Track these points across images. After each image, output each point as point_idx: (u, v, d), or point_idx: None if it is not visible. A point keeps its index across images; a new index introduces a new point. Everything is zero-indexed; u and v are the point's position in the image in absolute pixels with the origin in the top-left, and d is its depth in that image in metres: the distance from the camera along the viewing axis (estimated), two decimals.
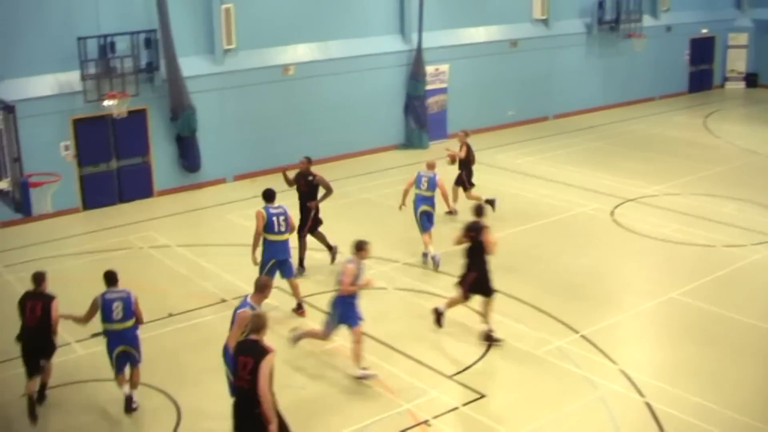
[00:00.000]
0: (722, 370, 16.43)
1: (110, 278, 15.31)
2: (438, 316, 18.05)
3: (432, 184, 22.39)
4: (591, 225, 24.81)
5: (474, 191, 25.51)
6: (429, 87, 34.88)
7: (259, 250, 18.91)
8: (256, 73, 30.83)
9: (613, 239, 23.65)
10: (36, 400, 15.25)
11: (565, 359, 16.68)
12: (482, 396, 15.55)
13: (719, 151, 33.62)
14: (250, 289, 20.23)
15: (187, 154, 29.54)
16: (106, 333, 15.19)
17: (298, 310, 19.30)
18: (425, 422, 14.82)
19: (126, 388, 15.35)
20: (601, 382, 15.82)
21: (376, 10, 33.78)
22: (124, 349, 15.16)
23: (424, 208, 22.32)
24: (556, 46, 38.95)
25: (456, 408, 15.26)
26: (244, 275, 21.53)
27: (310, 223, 21.91)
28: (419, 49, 33.92)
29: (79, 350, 17.95)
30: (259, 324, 12.28)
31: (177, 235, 24.90)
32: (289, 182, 22.25)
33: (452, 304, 18.01)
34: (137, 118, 28.39)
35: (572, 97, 40.06)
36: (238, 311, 13.87)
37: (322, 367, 16.84)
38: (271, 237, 18.80)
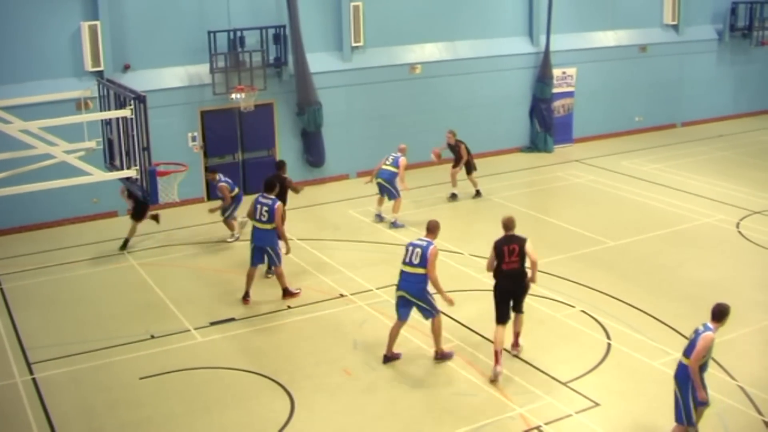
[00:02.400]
0: None
1: None
2: None
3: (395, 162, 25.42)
4: (715, 236, 24.29)
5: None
6: (556, 90, 34.56)
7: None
8: (383, 71, 30.96)
9: (738, 252, 23.12)
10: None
11: None
12: (596, 404, 15.36)
13: None
14: (368, 284, 20.53)
15: (312, 149, 29.82)
16: None
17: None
18: (537, 428, 14.72)
19: None
20: (718, 397, 15.46)
21: (505, 12, 33.61)
22: None
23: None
24: (686, 53, 38.19)
25: (569, 415, 15.10)
26: (363, 271, 21.75)
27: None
28: (547, 52, 33.66)
29: (198, 337, 18.27)
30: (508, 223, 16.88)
31: (298, 228, 25.11)
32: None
33: None
34: (264, 111, 28.77)
35: (702, 105, 39.25)
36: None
37: (435, 366, 16.83)
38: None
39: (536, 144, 34.57)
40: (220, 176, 23.87)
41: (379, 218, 25.51)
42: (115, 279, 21.39)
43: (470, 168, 28.00)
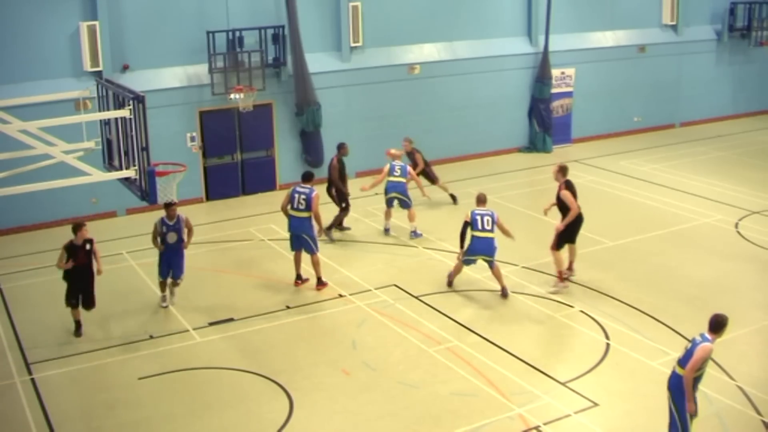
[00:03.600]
0: None
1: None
2: None
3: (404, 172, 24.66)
4: (714, 236, 24.29)
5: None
6: (554, 90, 34.57)
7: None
8: (381, 71, 30.98)
9: (737, 252, 23.12)
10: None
11: None
12: (595, 405, 15.37)
13: None
14: (367, 285, 20.54)
15: (311, 150, 29.83)
16: None
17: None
18: (536, 428, 14.72)
19: None
20: (717, 398, 15.49)
21: (504, 12, 33.63)
22: None
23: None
24: (685, 53, 38.20)
25: (568, 415, 15.10)
26: (362, 271, 21.77)
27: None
28: (546, 52, 33.68)
29: (197, 337, 18.28)
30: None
31: None
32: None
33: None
34: (263, 112, 28.78)
35: (700, 105, 39.26)
36: None
37: (435, 366, 16.84)
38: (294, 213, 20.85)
39: (535, 144, 34.58)
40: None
41: (387, 232, 24.77)
42: (113, 279, 21.37)
43: (431, 179, 27.55)
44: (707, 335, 13.03)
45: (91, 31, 25.63)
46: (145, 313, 19.65)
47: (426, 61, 31.86)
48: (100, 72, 25.56)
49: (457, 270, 20.65)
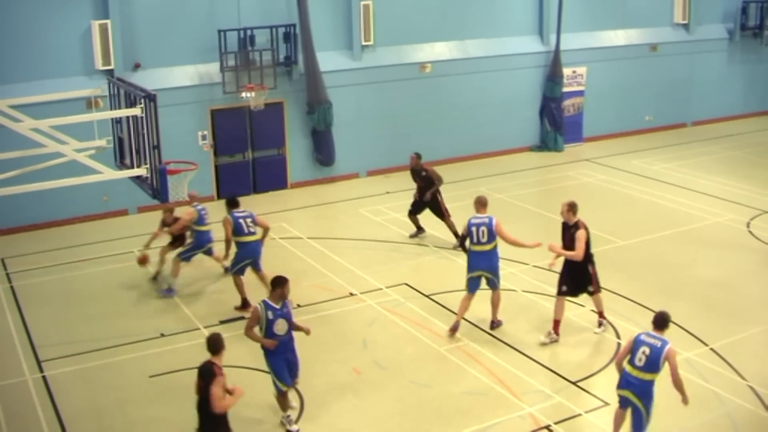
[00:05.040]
0: None
1: None
2: None
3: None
4: (726, 235, 24.23)
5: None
6: (566, 89, 34.52)
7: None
8: (393, 70, 30.97)
9: (748, 251, 23.06)
10: None
11: (692, 372, 16.33)
12: (606, 404, 15.32)
13: None
14: (378, 283, 20.54)
15: (322, 148, 29.85)
16: None
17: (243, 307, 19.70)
18: (547, 427, 14.71)
19: None
20: (728, 398, 15.45)
21: (515, 11, 33.59)
22: None
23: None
24: (697, 52, 38.10)
25: (578, 415, 15.10)
26: (372, 270, 21.76)
27: (443, 208, 23.67)
28: (557, 51, 33.61)
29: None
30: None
31: (309, 227, 25.18)
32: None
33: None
34: (274, 110, 28.80)
35: (712, 104, 39.14)
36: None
37: (446, 365, 16.83)
38: (242, 239, 19.42)
39: (546, 143, 34.53)
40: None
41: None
42: (125, 277, 21.41)
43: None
44: (659, 335, 13.31)
45: (103, 29, 25.69)
46: (156, 312, 19.69)
47: (437, 60, 31.84)
48: (111, 70, 25.64)
49: (463, 308, 18.09)
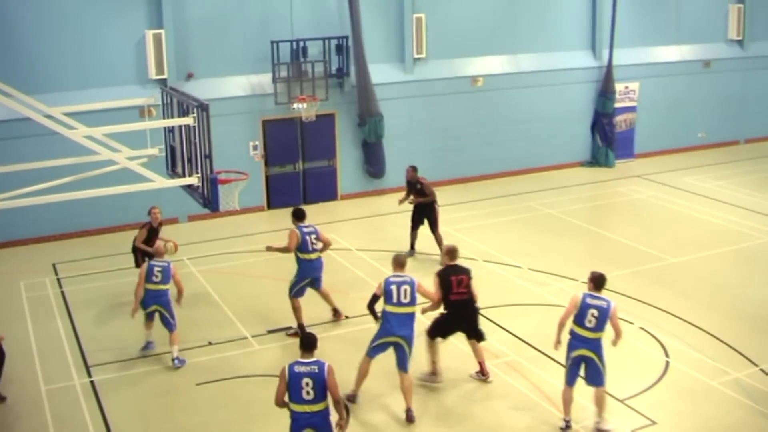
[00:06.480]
0: None
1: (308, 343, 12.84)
2: None
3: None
4: None
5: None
6: (618, 105, 34.32)
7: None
8: (444, 83, 30.96)
9: None
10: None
11: (741, 392, 16.15)
12: (653, 423, 15.21)
13: None
14: (423, 298, 20.51)
15: (373, 160, 29.90)
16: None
17: (336, 315, 19.70)
18: None
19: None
20: None
21: (568, 25, 33.47)
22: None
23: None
24: (751, 68, 37.72)
25: None
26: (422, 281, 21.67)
27: (437, 220, 23.76)
28: (609, 66, 33.43)
29: (256, 345, 18.36)
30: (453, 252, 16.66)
31: (358, 239, 25.20)
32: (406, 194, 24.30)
33: None
34: (325, 122, 28.88)
35: (765, 122, 38.68)
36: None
37: (493, 381, 16.74)
38: (306, 256, 18.69)
39: (597, 159, 34.33)
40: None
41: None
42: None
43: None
44: (600, 295, 14.81)
45: (157, 39, 25.93)
46: (204, 320, 19.77)
47: (489, 74, 31.77)
48: (164, 80, 25.86)
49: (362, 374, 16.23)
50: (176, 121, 16.56)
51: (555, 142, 33.50)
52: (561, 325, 14.93)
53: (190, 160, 16.17)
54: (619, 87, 34.06)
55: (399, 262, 16.32)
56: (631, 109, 34.94)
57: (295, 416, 12.47)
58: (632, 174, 32.78)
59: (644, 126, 35.22)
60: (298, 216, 18.97)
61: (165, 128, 17.87)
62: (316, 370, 12.33)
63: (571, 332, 14.76)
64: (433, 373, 16.77)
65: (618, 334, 14.67)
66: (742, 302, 20.67)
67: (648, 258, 23.33)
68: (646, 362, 17.52)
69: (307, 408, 12.35)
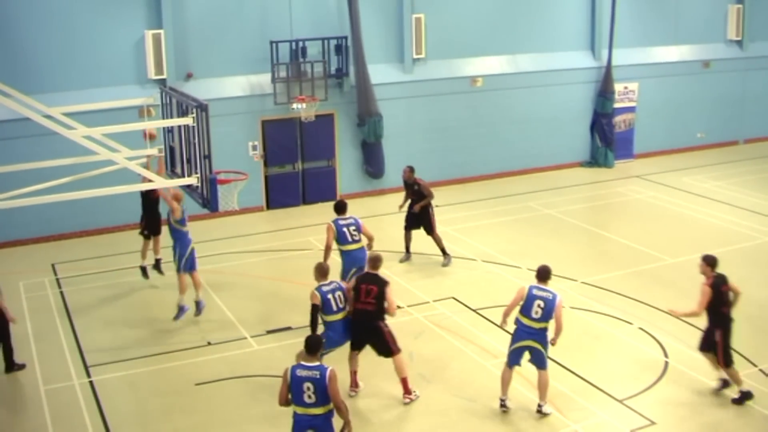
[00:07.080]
0: None
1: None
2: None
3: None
4: None
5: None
6: (617, 105, 34.31)
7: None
8: (444, 84, 30.96)
9: None
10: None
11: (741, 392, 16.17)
12: (652, 423, 15.20)
13: None
14: (425, 296, 20.49)
15: (372, 160, 29.90)
16: None
17: None
18: None
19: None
20: None
21: (567, 26, 33.46)
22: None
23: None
24: (750, 68, 37.71)
25: None
26: (419, 283, 21.73)
27: (433, 222, 23.45)
28: (609, 66, 33.43)
29: (255, 345, 18.36)
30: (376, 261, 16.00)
31: None
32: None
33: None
34: (325, 122, 28.88)
35: (765, 122, 38.66)
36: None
37: (492, 380, 16.73)
38: (346, 247, 18.89)
39: (597, 159, 34.34)
40: None
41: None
42: (173, 285, 21.53)
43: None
44: (545, 286, 15.26)
45: (156, 39, 25.93)
46: (203, 320, 19.75)
47: (488, 74, 31.76)
48: (164, 80, 25.86)
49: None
50: (176, 122, 16.56)
51: (554, 142, 33.50)
52: (506, 315, 15.67)
53: (189, 161, 16.17)
54: (618, 87, 34.06)
55: (322, 271, 16.11)
56: (631, 110, 34.94)
57: (296, 418, 12.46)
58: (631, 174, 32.78)
59: (643, 126, 35.22)
60: (337, 208, 19.38)
61: (164, 128, 17.87)
62: (318, 376, 12.23)
63: (517, 321, 15.33)
64: (351, 385, 16.43)
65: (558, 329, 15.07)
66: (741, 302, 20.50)
67: (647, 258, 23.33)
68: (645, 362, 17.51)
69: (309, 411, 12.34)
